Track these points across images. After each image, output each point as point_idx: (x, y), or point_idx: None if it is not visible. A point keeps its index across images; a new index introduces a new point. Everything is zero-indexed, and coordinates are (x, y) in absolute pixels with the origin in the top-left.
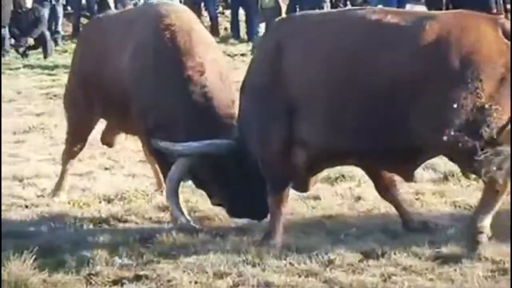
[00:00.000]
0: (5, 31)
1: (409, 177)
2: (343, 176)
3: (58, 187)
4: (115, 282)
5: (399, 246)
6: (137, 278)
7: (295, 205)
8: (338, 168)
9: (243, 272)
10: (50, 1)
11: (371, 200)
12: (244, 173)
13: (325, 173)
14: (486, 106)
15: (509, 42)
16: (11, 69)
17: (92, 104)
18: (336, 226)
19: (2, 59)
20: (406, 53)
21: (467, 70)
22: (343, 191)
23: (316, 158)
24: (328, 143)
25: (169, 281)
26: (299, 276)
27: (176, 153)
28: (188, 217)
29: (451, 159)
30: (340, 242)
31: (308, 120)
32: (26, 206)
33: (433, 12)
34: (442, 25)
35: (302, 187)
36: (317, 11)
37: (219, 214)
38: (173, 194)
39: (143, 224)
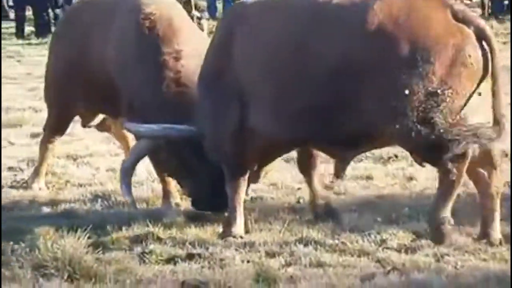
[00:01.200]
0: (60, 11)
1: (346, 163)
2: (395, 156)
3: (35, 175)
4: (167, 261)
5: (452, 226)
6: (190, 256)
7: (347, 184)
8: (390, 148)
9: (295, 252)
10: None
11: (423, 180)
12: (203, 162)
13: (377, 153)
14: (438, 90)
15: (458, 23)
16: None
17: (74, 93)
18: (388, 206)
19: None
20: (352, 35)
21: (413, 52)
22: (395, 171)
23: (266, 146)
24: (274, 131)
25: (221, 260)
26: (352, 256)
27: (138, 134)
28: (133, 200)
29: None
30: (392, 222)
31: (254, 108)
32: (80, 185)
33: None
34: (390, 7)
35: (254, 177)
36: None
37: (272, 194)
38: (126, 174)
39: None
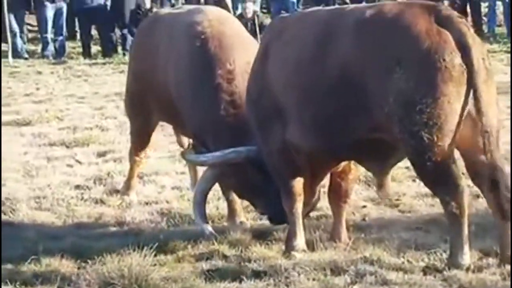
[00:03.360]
0: (127, 31)
1: (382, 176)
2: (462, 173)
3: (128, 186)
4: (233, 278)
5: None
6: (255, 274)
7: (413, 202)
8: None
9: (360, 270)
10: (170, 1)
11: None
12: (270, 178)
13: None
14: (416, 96)
15: (440, 27)
16: None
17: (149, 107)
18: None
19: (123, 58)
20: (348, 43)
21: (392, 56)
22: None
23: (308, 160)
24: (307, 144)
25: (286, 278)
26: (418, 274)
27: (201, 165)
28: (210, 229)
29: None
30: None
31: (291, 122)
32: (146, 203)
33: (384, 2)
34: (380, 13)
35: (309, 194)
36: (301, 11)
37: None
38: (199, 204)
39: (261, 221)
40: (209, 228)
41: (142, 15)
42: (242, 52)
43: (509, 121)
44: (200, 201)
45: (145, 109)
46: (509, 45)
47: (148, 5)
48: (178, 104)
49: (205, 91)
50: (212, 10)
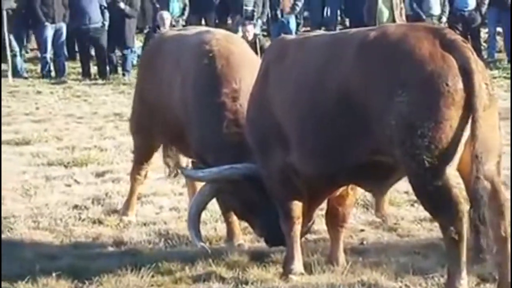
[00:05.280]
0: (128, 52)
1: (380, 195)
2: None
3: (127, 205)
4: None
5: None
6: None
7: (411, 227)
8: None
9: None
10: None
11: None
12: (268, 198)
13: None
14: (419, 122)
15: (444, 52)
16: None
17: (153, 128)
18: None
19: (122, 79)
20: (350, 64)
21: (395, 79)
22: None
23: (306, 183)
24: (305, 168)
25: None
26: None
27: (198, 180)
28: (202, 243)
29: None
30: None
31: (290, 146)
32: (144, 224)
33: (386, 24)
34: (383, 35)
35: (308, 217)
36: (303, 34)
37: None
38: (194, 220)
39: (259, 243)
40: (201, 242)
41: None
42: (248, 71)
43: (508, 147)
44: (195, 214)
45: (149, 129)
46: (508, 71)
47: (167, 27)
48: (182, 122)
49: (209, 108)
50: (220, 31)
